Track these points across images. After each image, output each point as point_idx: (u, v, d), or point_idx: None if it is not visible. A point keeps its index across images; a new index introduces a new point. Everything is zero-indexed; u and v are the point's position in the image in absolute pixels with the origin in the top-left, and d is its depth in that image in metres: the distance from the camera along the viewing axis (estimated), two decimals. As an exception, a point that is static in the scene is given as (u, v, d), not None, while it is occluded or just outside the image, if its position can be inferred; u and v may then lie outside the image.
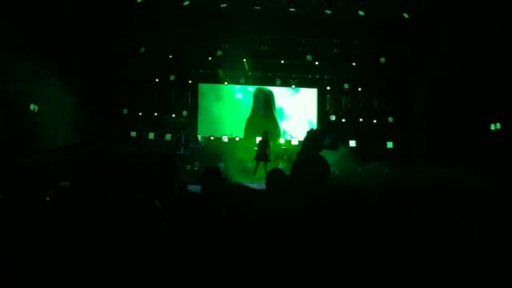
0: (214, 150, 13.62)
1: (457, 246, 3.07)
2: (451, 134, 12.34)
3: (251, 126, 14.78)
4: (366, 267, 1.86)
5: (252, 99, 15.11)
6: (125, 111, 13.52)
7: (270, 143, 12.48)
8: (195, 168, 12.47)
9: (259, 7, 11.50)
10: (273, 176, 3.17)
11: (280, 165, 12.61)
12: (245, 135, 14.61)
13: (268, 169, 7.35)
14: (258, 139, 12.98)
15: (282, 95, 15.22)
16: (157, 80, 14.34)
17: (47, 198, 4.14)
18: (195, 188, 5.10)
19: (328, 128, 14.37)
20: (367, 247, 1.96)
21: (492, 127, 11.83)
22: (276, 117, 15.16)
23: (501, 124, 11.70)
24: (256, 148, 12.48)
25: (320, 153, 2.66)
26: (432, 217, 5.08)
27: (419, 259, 2.49)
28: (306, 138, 2.63)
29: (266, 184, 3.29)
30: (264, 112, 15.07)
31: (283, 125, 15.11)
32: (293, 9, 11.50)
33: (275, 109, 15.19)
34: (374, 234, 2.11)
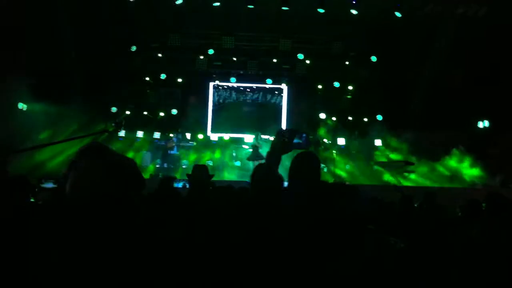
0: (204, 149, 13.54)
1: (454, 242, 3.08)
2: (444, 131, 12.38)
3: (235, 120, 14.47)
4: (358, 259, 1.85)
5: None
6: (113, 109, 13.38)
7: (264, 143, 11.71)
8: (183, 167, 12.36)
9: (252, 6, 11.45)
10: (257, 171, 3.00)
11: None
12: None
13: None
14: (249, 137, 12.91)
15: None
16: (147, 78, 14.23)
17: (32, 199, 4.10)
18: (177, 183, 5.18)
19: (300, 128, 14.16)
20: (362, 240, 1.95)
21: (480, 124, 11.90)
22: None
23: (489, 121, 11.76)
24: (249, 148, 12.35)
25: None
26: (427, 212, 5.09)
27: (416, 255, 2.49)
28: (275, 138, 2.60)
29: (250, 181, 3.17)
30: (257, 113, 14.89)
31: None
32: (286, 8, 11.47)
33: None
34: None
